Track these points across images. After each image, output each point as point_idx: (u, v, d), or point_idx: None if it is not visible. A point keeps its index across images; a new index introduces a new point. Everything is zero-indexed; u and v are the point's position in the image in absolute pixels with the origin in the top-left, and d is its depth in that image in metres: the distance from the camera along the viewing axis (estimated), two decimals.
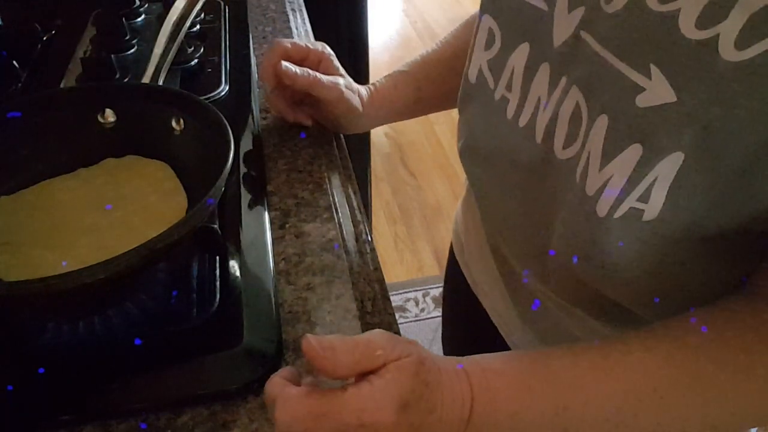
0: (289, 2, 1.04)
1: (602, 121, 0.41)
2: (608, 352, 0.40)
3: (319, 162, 0.68)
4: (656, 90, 0.37)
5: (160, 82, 0.66)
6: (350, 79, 0.69)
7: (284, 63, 0.63)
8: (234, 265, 0.54)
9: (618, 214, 0.41)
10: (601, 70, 0.41)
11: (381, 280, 0.58)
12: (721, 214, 0.38)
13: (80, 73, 0.77)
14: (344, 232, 0.61)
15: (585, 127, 0.43)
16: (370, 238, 0.62)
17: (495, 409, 0.38)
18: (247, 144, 0.68)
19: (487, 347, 0.49)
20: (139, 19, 0.91)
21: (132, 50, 0.83)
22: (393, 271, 1.92)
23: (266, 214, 0.60)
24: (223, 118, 0.54)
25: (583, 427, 0.38)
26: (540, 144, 0.48)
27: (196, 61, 0.78)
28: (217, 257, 0.54)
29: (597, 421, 0.38)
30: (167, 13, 0.70)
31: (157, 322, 0.49)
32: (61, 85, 0.76)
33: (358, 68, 1.55)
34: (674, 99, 0.37)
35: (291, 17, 0.99)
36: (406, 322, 1.74)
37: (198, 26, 0.86)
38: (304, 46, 0.67)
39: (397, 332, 0.53)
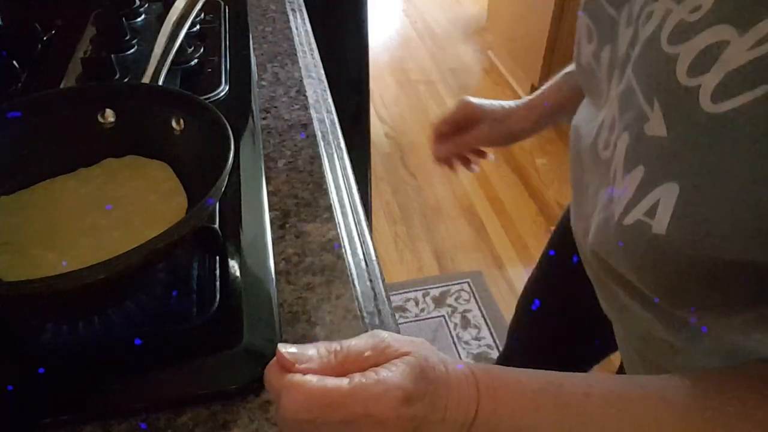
0: (289, 2, 1.04)
1: (624, 137, 0.45)
2: (624, 393, 0.39)
3: (319, 162, 0.68)
4: (654, 122, 0.41)
5: (160, 82, 0.66)
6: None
7: None
8: (234, 265, 0.54)
9: (628, 221, 0.43)
10: (629, 91, 0.45)
11: (381, 280, 0.58)
12: (729, 242, 0.38)
13: (80, 73, 0.77)
14: (344, 232, 0.61)
15: (615, 137, 0.47)
16: (370, 238, 0.62)
17: (498, 419, 0.38)
18: (247, 144, 0.68)
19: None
20: (139, 19, 0.91)
21: (132, 50, 0.83)
22: (393, 271, 1.92)
23: (266, 214, 0.60)
24: (223, 118, 0.54)
25: None
26: (596, 138, 0.52)
27: (196, 61, 0.78)
28: (217, 257, 0.54)
29: None
30: (167, 13, 0.69)
31: (157, 322, 0.49)
32: (61, 85, 0.76)
33: (358, 68, 1.55)
34: (665, 134, 0.40)
35: (291, 17, 0.99)
36: (406, 322, 1.74)
37: (198, 26, 0.86)
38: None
39: (398, 332, 0.53)
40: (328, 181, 0.66)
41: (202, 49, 0.80)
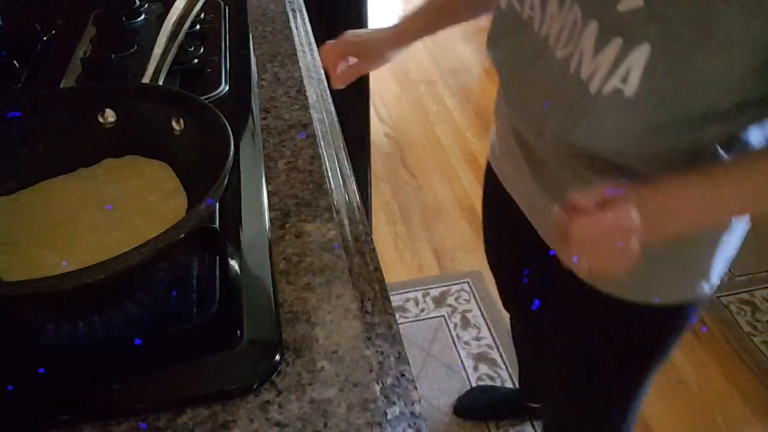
0: (289, 2, 1.04)
1: (593, 25, 0.57)
2: (723, 172, 0.59)
3: (319, 162, 0.68)
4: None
5: (160, 82, 0.66)
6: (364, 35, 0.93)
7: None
8: (234, 265, 0.54)
9: (606, 91, 0.56)
10: None
11: (381, 280, 0.58)
12: (686, 96, 0.54)
13: (80, 73, 0.77)
14: (344, 232, 0.61)
15: (579, 31, 0.58)
16: (370, 238, 0.62)
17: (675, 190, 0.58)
18: (247, 144, 0.68)
19: (519, 238, 0.82)
20: (139, 19, 0.91)
21: (132, 50, 0.83)
22: (393, 271, 1.92)
23: (266, 214, 0.60)
24: (223, 118, 0.54)
25: (718, 206, 0.59)
26: (550, 45, 0.63)
27: (196, 61, 0.78)
28: (217, 257, 0.54)
29: (728, 204, 0.59)
30: (167, 13, 0.70)
31: (157, 322, 0.49)
32: (61, 85, 0.76)
33: None
34: (642, 4, 0.52)
35: (291, 17, 0.99)
36: (406, 322, 1.74)
37: (198, 26, 0.86)
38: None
39: (397, 332, 0.54)
40: (328, 181, 0.66)
41: (202, 49, 0.80)
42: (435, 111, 2.66)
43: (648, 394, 1.43)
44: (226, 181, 0.49)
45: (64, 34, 0.88)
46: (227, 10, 0.93)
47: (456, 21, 0.93)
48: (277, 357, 0.48)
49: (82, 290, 0.42)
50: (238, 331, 0.48)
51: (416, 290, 1.86)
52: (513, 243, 0.98)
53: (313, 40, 0.99)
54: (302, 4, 1.07)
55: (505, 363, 1.64)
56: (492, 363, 1.64)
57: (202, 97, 0.71)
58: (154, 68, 0.66)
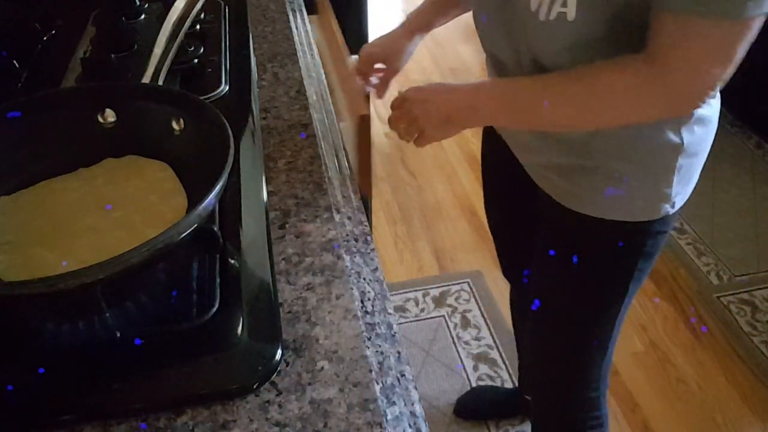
0: (289, 2, 1.04)
1: None
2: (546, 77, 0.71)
3: (319, 162, 0.68)
4: None
5: (160, 82, 0.66)
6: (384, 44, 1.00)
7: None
8: (234, 265, 0.54)
9: (552, 16, 0.67)
10: None
11: (381, 280, 0.58)
12: (618, 17, 0.64)
13: (80, 73, 0.77)
14: (344, 232, 0.61)
15: None
16: (370, 238, 0.62)
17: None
18: (247, 144, 0.68)
19: (513, 187, 0.96)
20: (139, 19, 0.91)
21: (132, 50, 0.83)
22: (393, 271, 1.92)
23: (266, 214, 0.60)
24: (223, 118, 0.54)
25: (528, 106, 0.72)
26: None
27: (196, 61, 0.78)
28: (217, 257, 0.54)
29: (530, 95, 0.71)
30: (167, 13, 0.69)
31: (157, 322, 0.49)
32: (61, 85, 0.76)
33: None
34: None
35: (291, 17, 0.99)
36: (406, 322, 1.74)
37: (198, 26, 0.86)
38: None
39: (397, 332, 0.54)
40: (328, 181, 0.66)
41: (202, 49, 0.79)
42: None
43: (648, 394, 1.42)
44: (226, 181, 0.48)
45: (64, 34, 0.88)
46: (227, 10, 0.93)
47: (462, 10, 1.03)
48: (277, 357, 0.48)
49: (82, 290, 0.42)
50: (238, 332, 0.48)
51: (416, 290, 1.86)
52: (509, 198, 1.07)
53: (312, 40, 0.99)
54: (302, 4, 1.07)
55: (505, 363, 1.64)
56: (492, 363, 1.64)
57: (202, 97, 0.71)
58: (154, 68, 0.66)
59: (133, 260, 0.42)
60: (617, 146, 0.76)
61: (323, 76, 0.91)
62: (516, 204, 1.05)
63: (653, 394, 1.57)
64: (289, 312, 0.52)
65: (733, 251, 1.89)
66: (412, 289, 1.86)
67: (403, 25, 1.00)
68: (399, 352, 0.51)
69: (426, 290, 1.86)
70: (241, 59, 0.82)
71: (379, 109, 2.66)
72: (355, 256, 0.59)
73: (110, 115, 0.60)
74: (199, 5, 0.73)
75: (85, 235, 0.52)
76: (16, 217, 0.54)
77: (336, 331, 0.50)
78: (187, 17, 0.71)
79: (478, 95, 0.74)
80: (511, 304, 1.37)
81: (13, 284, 0.45)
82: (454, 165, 2.34)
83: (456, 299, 1.82)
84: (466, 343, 1.69)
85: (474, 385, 1.58)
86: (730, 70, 0.62)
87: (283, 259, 0.57)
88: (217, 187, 0.47)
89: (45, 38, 0.87)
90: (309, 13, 1.13)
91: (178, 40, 0.70)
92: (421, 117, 0.75)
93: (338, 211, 0.63)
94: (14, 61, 0.77)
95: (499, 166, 1.02)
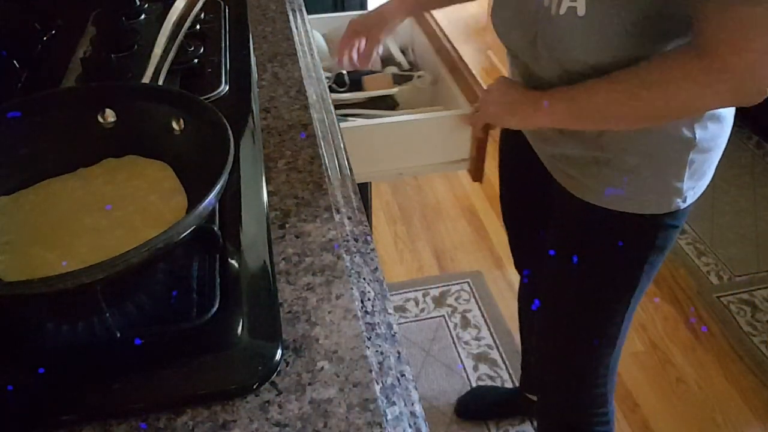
0: (289, 2, 1.04)
1: None
2: (602, 79, 0.72)
3: (319, 162, 0.68)
4: None
5: (160, 82, 0.66)
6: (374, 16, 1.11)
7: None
8: (234, 265, 0.54)
9: (562, 11, 0.69)
10: None
11: (381, 280, 0.58)
12: (629, 11, 0.66)
13: (80, 73, 0.77)
14: (344, 232, 0.61)
15: None
16: (370, 238, 0.62)
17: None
18: (247, 144, 0.68)
19: (529, 180, 1.00)
20: (139, 19, 0.90)
21: (132, 50, 0.83)
22: (393, 271, 1.92)
23: (266, 214, 0.60)
24: (223, 118, 0.54)
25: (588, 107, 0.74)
26: None
27: (196, 61, 0.78)
28: (217, 257, 0.54)
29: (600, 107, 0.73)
30: (167, 13, 0.69)
31: (157, 322, 0.49)
32: (61, 85, 0.76)
33: None
34: None
35: (291, 17, 0.99)
36: (406, 322, 1.74)
37: (198, 26, 0.86)
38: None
39: (397, 332, 0.54)
40: (328, 181, 0.66)
41: (202, 49, 0.79)
42: None
43: (648, 394, 1.43)
44: (226, 181, 0.48)
45: (64, 34, 0.88)
46: (227, 10, 0.93)
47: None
48: (277, 357, 0.48)
49: (82, 290, 0.42)
50: (238, 331, 0.48)
51: (416, 290, 1.86)
52: (524, 189, 1.10)
53: (312, 40, 0.99)
54: (302, 4, 1.07)
55: (505, 363, 1.64)
56: (492, 363, 1.64)
57: (202, 97, 0.71)
58: (154, 68, 0.65)
59: (133, 260, 0.42)
60: (629, 139, 0.77)
61: (323, 76, 0.91)
62: (531, 195, 1.07)
63: (653, 394, 1.57)
64: (289, 312, 0.52)
65: (733, 251, 1.89)
66: (412, 289, 1.86)
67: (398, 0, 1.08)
68: (399, 352, 0.51)
69: (426, 290, 1.86)
70: (241, 59, 0.82)
71: None
72: (355, 256, 0.59)
73: (110, 115, 0.60)
74: (199, 5, 0.73)
75: (85, 235, 0.52)
76: (16, 217, 0.54)
77: (336, 331, 0.50)
78: (187, 17, 0.71)
79: (547, 93, 0.77)
80: (519, 299, 1.37)
81: (13, 284, 0.45)
82: None
83: (456, 299, 1.83)
84: (466, 343, 1.69)
85: (474, 385, 1.58)
86: None
87: (283, 259, 0.57)
88: (217, 187, 0.47)
89: (45, 38, 0.87)
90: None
91: (178, 40, 0.69)
92: (492, 93, 0.86)
93: (338, 211, 0.63)
94: (14, 61, 0.77)
95: (516, 157, 1.05)
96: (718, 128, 0.78)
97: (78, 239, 0.52)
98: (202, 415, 0.45)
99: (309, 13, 1.09)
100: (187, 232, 0.45)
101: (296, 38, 0.94)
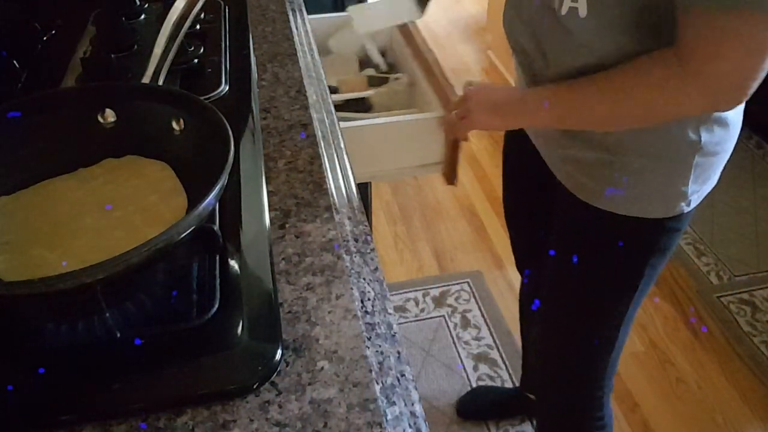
0: (289, 2, 1.04)
1: None
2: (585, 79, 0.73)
3: (319, 162, 0.68)
4: None
5: (160, 82, 0.66)
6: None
7: None
8: (234, 265, 0.54)
9: (564, 11, 0.69)
10: None
11: (381, 280, 0.58)
12: (630, 9, 0.65)
13: (80, 73, 0.77)
14: (344, 232, 0.61)
15: None
16: (370, 238, 0.62)
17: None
18: (247, 144, 0.68)
19: (532, 179, 0.99)
20: (139, 19, 0.91)
21: (132, 50, 0.83)
22: (393, 271, 1.92)
23: (266, 214, 0.60)
24: (223, 118, 0.54)
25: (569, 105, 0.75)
26: None
27: (196, 61, 0.78)
28: (217, 257, 0.54)
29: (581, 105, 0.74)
30: (167, 13, 0.69)
31: (157, 322, 0.49)
32: (61, 85, 0.76)
33: None
34: None
35: (291, 17, 0.99)
36: (406, 322, 1.74)
37: (198, 26, 0.86)
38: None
39: (397, 332, 0.54)
40: (328, 181, 0.66)
41: (202, 49, 0.80)
42: None
43: (648, 394, 1.43)
44: (226, 181, 0.48)
45: (64, 34, 0.88)
46: (227, 10, 0.93)
47: None
48: (277, 357, 0.48)
49: (82, 290, 0.42)
50: (238, 331, 0.48)
51: (416, 290, 1.86)
52: (527, 189, 1.09)
53: (313, 40, 0.99)
54: (302, 4, 1.07)
55: (505, 363, 1.64)
56: (492, 363, 1.64)
57: (202, 97, 0.71)
58: (154, 68, 0.65)
59: (133, 260, 0.42)
60: (634, 141, 0.77)
61: (323, 76, 0.91)
62: (534, 197, 1.06)
63: (653, 394, 1.57)
64: (289, 312, 0.52)
65: (733, 251, 1.89)
66: (412, 289, 1.86)
67: None
68: (399, 352, 0.51)
69: (426, 290, 1.86)
70: (241, 59, 0.82)
71: None
72: (355, 256, 0.59)
73: (110, 115, 0.60)
74: (199, 5, 0.73)
75: (85, 235, 0.52)
76: (16, 217, 0.54)
77: (336, 331, 0.50)
78: (187, 17, 0.71)
79: (530, 91, 0.78)
80: (520, 299, 1.37)
81: (13, 284, 0.45)
82: None
83: (456, 299, 1.82)
84: (466, 343, 1.69)
85: (474, 385, 1.58)
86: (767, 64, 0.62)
87: (283, 259, 0.57)
88: (217, 187, 0.47)
89: (45, 38, 0.87)
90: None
91: (178, 40, 0.69)
92: (472, 99, 0.84)
93: (338, 211, 0.63)
94: (14, 61, 0.77)
95: (520, 157, 1.04)
96: (724, 132, 0.77)
97: (78, 239, 0.52)
98: (202, 415, 0.45)
99: (309, 13, 1.09)
100: (187, 232, 0.45)
101: (296, 38, 0.94)
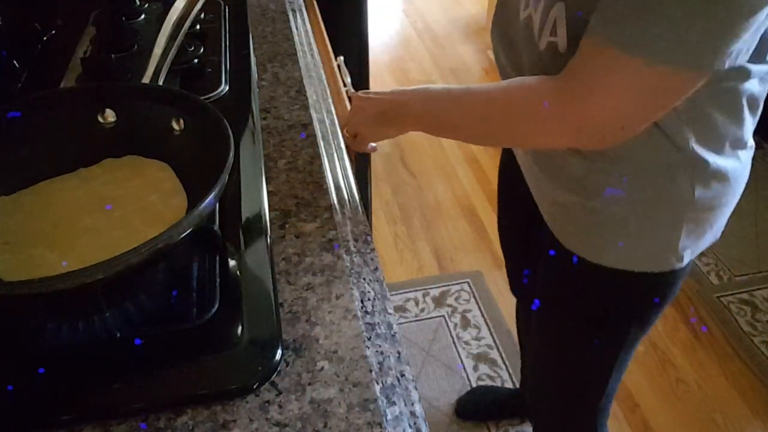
0: (289, 2, 1.04)
1: None
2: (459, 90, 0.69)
3: (319, 162, 0.68)
4: None
5: (160, 82, 0.66)
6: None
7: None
8: (234, 265, 0.54)
9: (542, 46, 0.64)
10: None
11: (381, 280, 0.58)
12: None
13: (80, 73, 0.77)
14: (344, 232, 0.61)
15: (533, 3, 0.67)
16: (370, 238, 0.62)
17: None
18: (247, 144, 0.68)
19: (525, 213, 0.88)
20: (139, 19, 0.91)
21: (132, 50, 0.83)
22: (393, 271, 1.92)
23: (266, 214, 0.60)
24: (223, 118, 0.54)
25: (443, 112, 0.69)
26: (521, 18, 0.70)
27: (196, 61, 0.78)
28: (217, 257, 0.54)
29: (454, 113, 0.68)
30: (167, 13, 0.69)
31: (157, 323, 0.49)
32: (61, 85, 0.76)
33: (358, 68, 1.55)
34: None
35: (291, 17, 0.99)
36: (406, 322, 1.74)
37: (198, 26, 0.86)
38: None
39: (397, 332, 0.54)
40: (328, 181, 0.66)
41: (202, 49, 0.80)
42: None
43: (648, 394, 1.42)
44: (226, 181, 0.49)
45: (64, 34, 0.88)
46: (227, 10, 0.94)
47: None
48: (277, 357, 0.48)
49: (82, 290, 0.42)
50: (238, 332, 0.48)
51: (416, 290, 1.86)
52: (521, 223, 1.03)
53: (313, 40, 0.99)
54: (302, 4, 1.07)
55: (505, 363, 1.64)
56: (492, 363, 1.64)
57: (202, 97, 0.71)
58: (154, 68, 0.65)
59: (133, 260, 0.42)
60: (615, 187, 0.69)
61: (323, 76, 0.91)
62: (525, 229, 1.01)
63: (653, 394, 1.57)
64: (289, 312, 0.52)
65: (733, 251, 1.89)
66: (412, 289, 1.86)
67: None
68: (399, 352, 0.51)
69: (426, 290, 1.86)
70: (241, 59, 0.83)
71: None
72: (355, 256, 0.59)
73: (110, 115, 0.60)
74: (199, 5, 0.73)
75: (85, 235, 0.52)
76: (16, 217, 0.54)
77: (336, 331, 0.50)
78: (187, 17, 0.71)
79: (411, 94, 0.72)
80: (517, 321, 1.36)
81: (13, 284, 0.45)
82: (454, 165, 2.33)
83: (456, 299, 1.82)
84: (466, 343, 1.69)
85: (474, 385, 1.58)
86: (650, 116, 0.58)
87: (283, 259, 0.57)
88: (217, 187, 0.47)
89: (45, 38, 0.87)
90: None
91: (178, 40, 0.69)
92: (357, 114, 0.74)
93: (338, 211, 0.63)
94: (14, 61, 0.77)
95: (511, 189, 0.99)
96: (722, 188, 0.69)
97: (78, 239, 0.52)
98: (202, 415, 0.45)
99: None
100: (187, 232, 0.45)
101: (296, 38, 0.94)
